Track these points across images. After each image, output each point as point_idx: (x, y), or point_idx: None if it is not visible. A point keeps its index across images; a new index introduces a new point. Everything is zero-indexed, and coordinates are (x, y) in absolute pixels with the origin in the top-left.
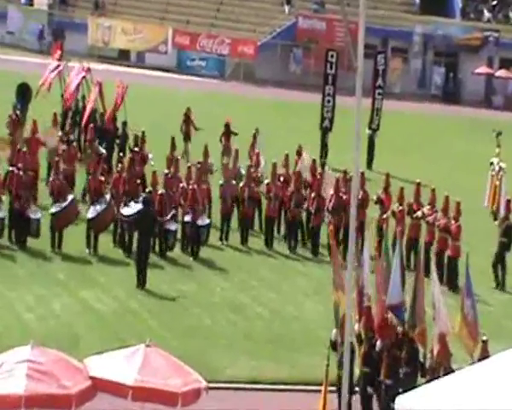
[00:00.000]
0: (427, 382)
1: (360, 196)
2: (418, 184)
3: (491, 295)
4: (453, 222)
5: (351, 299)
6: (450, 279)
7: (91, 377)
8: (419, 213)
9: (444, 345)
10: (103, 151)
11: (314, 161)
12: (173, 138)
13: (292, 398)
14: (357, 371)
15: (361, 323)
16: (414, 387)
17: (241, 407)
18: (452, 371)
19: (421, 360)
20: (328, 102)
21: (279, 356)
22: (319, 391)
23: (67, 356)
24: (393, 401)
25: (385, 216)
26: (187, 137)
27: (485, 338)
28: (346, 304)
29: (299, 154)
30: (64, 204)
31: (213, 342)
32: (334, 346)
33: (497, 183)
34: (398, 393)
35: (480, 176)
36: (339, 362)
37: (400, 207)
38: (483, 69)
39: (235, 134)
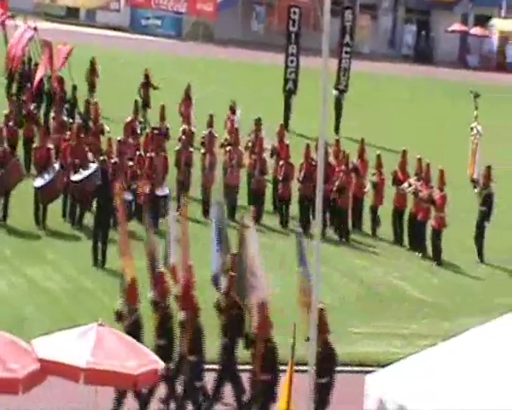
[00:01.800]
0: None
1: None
2: (404, 152)
3: (471, 269)
4: (437, 192)
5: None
6: (435, 252)
7: (40, 360)
8: (405, 185)
9: (263, 315)
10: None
11: (281, 126)
12: (136, 102)
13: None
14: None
15: (155, 290)
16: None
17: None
18: (273, 342)
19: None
20: (292, 62)
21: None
22: (284, 370)
23: (14, 337)
24: (199, 379)
25: (366, 190)
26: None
27: (322, 306)
28: (316, 275)
29: (232, 110)
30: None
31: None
32: (118, 317)
33: (474, 147)
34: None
35: (458, 141)
36: (127, 333)
37: (380, 177)
38: (457, 27)
39: (155, 88)
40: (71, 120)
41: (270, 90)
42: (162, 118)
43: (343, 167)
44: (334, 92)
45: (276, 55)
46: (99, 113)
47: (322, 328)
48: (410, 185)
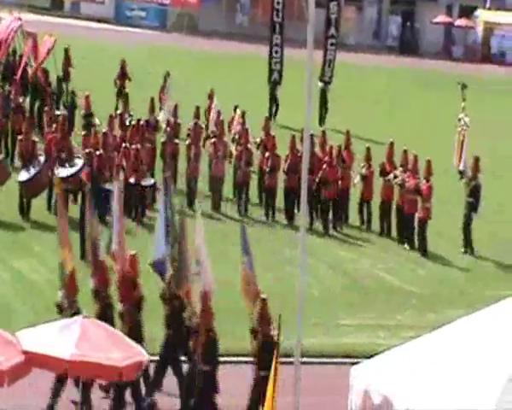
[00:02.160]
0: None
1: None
2: (391, 144)
3: (457, 261)
4: (424, 182)
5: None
6: (421, 243)
7: (25, 352)
8: (391, 176)
9: (206, 305)
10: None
11: (267, 118)
12: (126, 94)
13: (241, 371)
14: None
15: (96, 279)
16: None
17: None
18: (215, 333)
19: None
20: (276, 52)
21: (227, 328)
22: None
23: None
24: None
25: (355, 182)
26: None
27: (264, 296)
28: (302, 267)
29: (210, 98)
30: None
31: (154, 313)
32: (59, 309)
33: (461, 138)
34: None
35: (443, 132)
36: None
37: (369, 170)
38: (442, 18)
39: (130, 79)
40: (57, 113)
41: (255, 81)
42: (152, 110)
43: (326, 159)
44: (320, 84)
45: (261, 47)
46: (90, 105)
47: (265, 319)
48: (395, 177)
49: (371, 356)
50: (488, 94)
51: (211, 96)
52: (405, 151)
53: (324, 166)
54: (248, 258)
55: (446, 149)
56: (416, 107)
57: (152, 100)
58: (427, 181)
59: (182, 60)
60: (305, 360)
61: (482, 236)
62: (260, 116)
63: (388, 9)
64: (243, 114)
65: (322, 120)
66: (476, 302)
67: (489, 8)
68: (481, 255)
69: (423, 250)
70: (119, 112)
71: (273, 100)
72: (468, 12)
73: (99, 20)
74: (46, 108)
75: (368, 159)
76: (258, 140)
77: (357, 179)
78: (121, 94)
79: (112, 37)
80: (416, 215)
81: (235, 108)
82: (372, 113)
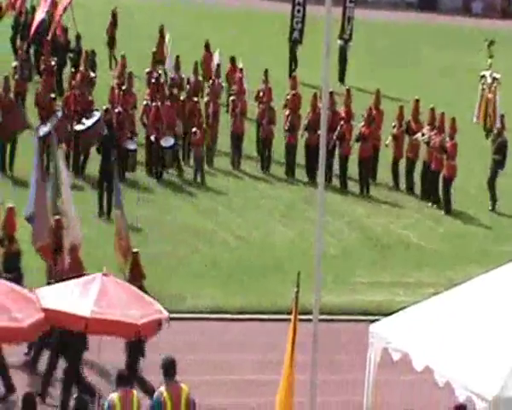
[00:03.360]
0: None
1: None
2: (417, 101)
3: (477, 217)
4: (448, 140)
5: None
6: (445, 201)
7: (44, 309)
8: (419, 136)
9: (75, 257)
10: (92, 74)
11: (294, 76)
12: (154, 53)
13: (260, 327)
14: None
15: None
16: None
17: (205, 337)
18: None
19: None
20: (298, 11)
21: (246, 284)
22: (289, 320)
23: (15, 286)
24: None
25: (387, 142)
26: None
27: (135, 250)
28: (319, 224)
29: (207, 48)
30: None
31: (175, 271)
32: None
33: (490, 96)
34: None
35: (465, 89)
36: None
37: (401, 129)
38: None
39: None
40: (73, 70)
41: (273, 39)
42: (177, 68)
43: (343, 115)
44: (339, 42)
45: (280, 4)
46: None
47: (137, 273)
48: (423, 135)
49: (389, 314)
50: (508, 50)
51: (208, 48)
52: (432, 109)
53: (342, 122)
54: (121, 211)
55: (468, 106)
56: (435, 63)
57: (177, 58)
58: (452, 139)
59: (198, 17)
60: (323, 317)
61: (503, 193)
62: (278, 73)
63: None
64: (266, 72)
65: (342, 78)
66: (496, 260)
67: None
68: (502, 212)
69: (447, 208)
70: (147, 70)
71: (293, 58)
72: None
73: None
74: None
75: (400, 118)
76: (260, 91)
77: (389, 140)
78: (112, 41)
79: None
80: (442, 173)
81: (232, 59)
82: (392, 70)
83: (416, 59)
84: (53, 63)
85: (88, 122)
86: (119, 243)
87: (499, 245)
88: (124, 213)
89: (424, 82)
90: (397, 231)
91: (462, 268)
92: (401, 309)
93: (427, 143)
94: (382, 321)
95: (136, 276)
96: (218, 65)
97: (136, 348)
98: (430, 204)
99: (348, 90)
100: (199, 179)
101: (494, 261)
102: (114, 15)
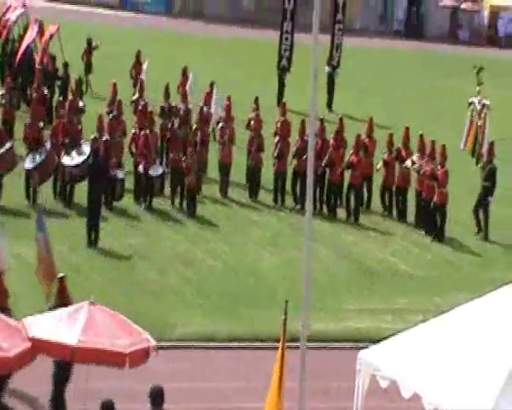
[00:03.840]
0: None
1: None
2: (407, 129)
3: (464, 244)
4: (439, 168)
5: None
6: (438, 229)
7: (31, 339)
8: (408, 163)
9: (0, 284)
10: (81, 104)
11: (283, 103)
12: (142, 81)
13: (249, 355)
14: None
15: None
16: None
17: (194, 366)
18: (9, 310)
19: None
20: (286, 39)
21: (234, 312)
22: (277, 348)
23: (2, 315)
24: None
25: (378, 167)
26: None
27: (61, 275)
28: (307, 251)
29: (184, 74)
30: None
31: (163, 299)
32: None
33: (480, 122)
34: None
35: (451, 115)
36: None
37: (391, 155)
38: (448, 2)
39: (95, 47)
40: (60, 98)
41: (261, 67)
42: (167, 96)
43: (331, 142)
44: (327, 69)
45: (268, 32)
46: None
47: (64, 299)
48: (413, 163)
49: (378, 341)
50: (495, 78)
51: (185, 73)
52: (421, 136)
53: (330, 149)
54: (43, 235)
55: (456, 133)
56: (422, 91)
57: (167, 87)
58: (443, 166)
59: (188, 45)
60: (311, 344)
61: (492, 220)
62: (266, 101)
63: None
64: (256, 100)
65: (330, 105)
66: (484, 287)
67: None
68: (491, 239)
69: (440, 236)
70: (134, 98)
71: (282, 86)
72: None
73: (104, 6)
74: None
75: (390, 145)
76: (217, 115)
77: (380, 164)
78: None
79: (116, 22)
80: (433, 201)
81: (212, 84)
82: (380, 97)
83: (404, 86)
84: (45, 92)
85: (77, 158)
86: (42, 268)
87: (488, 272)
88: (47, 237)
89: (412, 109)
90: (385, 258)
91: (450, 295)
92: (389, 336)
93: (418, 172)
94: (370, 348)
95: (62, 301)
96: (207, 93)
97: (63, 372)
98: (423, 233)
99: (341, 119)
100: (189, 209)
101: (483, 288)
102: (89, 42)
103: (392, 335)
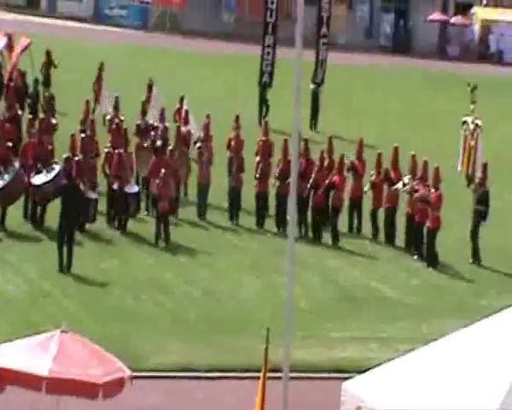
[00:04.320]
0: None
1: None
2: (396, 149)
3: (453, 269)
4: (433, 191)
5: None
6: (430, 255)
7: (0, 369)
8: (399, 186)
9: None
10: (54, 121)
11: (266, 122)
12: (117, 98)
13: (228, 386)
14: None
15: None
16: None
17: (170, 397)
18: None
19: None
20: (268, 54)
21: (212, 340)
22: (258, 378)
23: None
24: None
25: (366, 189)
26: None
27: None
28: (289, 276)
29: (150, 88)
30: None
31: (138, 326)
32: None
33: (473, 143)
34: None
35: (445, 135)
36: None
37: (379, 177)
38: (437, 16)
39: (55, 66)
40: (30, 116)
41: (242, 83)
42: (143, 113)
43: (317, 163)
44: (312, 86)
45: (248, 47)
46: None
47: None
48: (404, 185)
49: (363, 371)
50: (487, 95)
51: (150, 87)
52: (414, 157)
53: (315, 170)
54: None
55: (447, 153)
56: (411, 109)
57: (143, 103)
58: (436, 189)
59: (165, 61)
60: (293, 374)
61: (482, 246)
62: (249, 119)
63: (380, 7)
64: (237, 118)
65: (314, 124)
66: (474, 313)
67: (485, 5)
68: (480, 264)
69: (433, 262)
70: (108, 117)
71: (263, 103)
72: (464, 9)
73: (77, 19)
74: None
75: (378, 166)
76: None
77: (367, 187)
78: (46, 82)
79: (90, 36)
80: (426, 225)
81: (182, 98)
82: (366, 116)
83: (392, 104)
84: (18, 111)
85: (46, 176)
86: None
87: (477, 298)
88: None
89: (400, 128)
90: (371, 284)
91: (438, 322)
92: (375, 366)
93: (410, 194)
94: (355, 378)
95: None
96: (187, 111)
97: None
98: (416, 257)
99: (330, 139)
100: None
101: (472, 315)
102: (49, 54)
103: (379, 364)
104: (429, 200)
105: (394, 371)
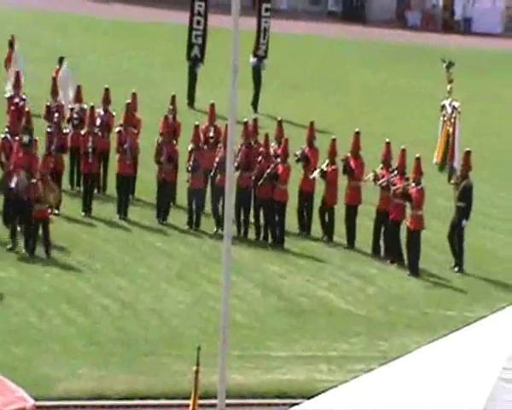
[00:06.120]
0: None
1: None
2: (357, 134)
3: (424, 274)
4: (413, 185)
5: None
6: (411, 260)
7: None
8: (370, 177)
9: None
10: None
11: (212, 105)
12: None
13: None
14: None
15: None
16: None
17: None
18: None
19: None
20: (198, 23)
21: (132, 363)
22: (187, 406)
23: None
24: None
25: (312, 177)
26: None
27: None
28: (224, 287)
29: (11, 45)
30: None
31: (44, 347)
32: None
33: (451, 129)
34: None
35: (407, 117)
36: None
37: (333, 166)
38: None
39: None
40: None
41: (167, 56)
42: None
43: (261, 150)
44: (252, 59)
45: (177, 14)
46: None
47: None
48: (376, 177)
49: (310, 396)
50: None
51: (11, 43)
52: (388, 144)
53: (260, 158)
54: None
55: (414, 138)
56: (368, 87)
57: (107, 90)
58: (417, 184)
59: (78, 30)
60: (229, 401)
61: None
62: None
63: None
64: (173, 99)
65: (255, 104)
66: (437, 327)
67: None
68: (446, 268)
69: (414, 269)
70: (8, 94)
71: (193, 80)
72: None
73: None
74: None
75: (332, 153)
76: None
77: (316, 173)
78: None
79: None
80: (406, 225)
81: (61, 59)
82: (315, 95)
83: (345, 80)
84: None
85: None
86: None
87: (441, 309)
88: None
89: (358, 109)
90: (318, 293)
91: (397, 338)
92: (325, 390)
93: (385, 188)
94: (302, 405)
95: None
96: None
97: None
98: (389, 262)
99: (280, 122)
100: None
101: (436, 329)
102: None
103: (329, 388)
104: (409, 195)
105: (347, 395)
